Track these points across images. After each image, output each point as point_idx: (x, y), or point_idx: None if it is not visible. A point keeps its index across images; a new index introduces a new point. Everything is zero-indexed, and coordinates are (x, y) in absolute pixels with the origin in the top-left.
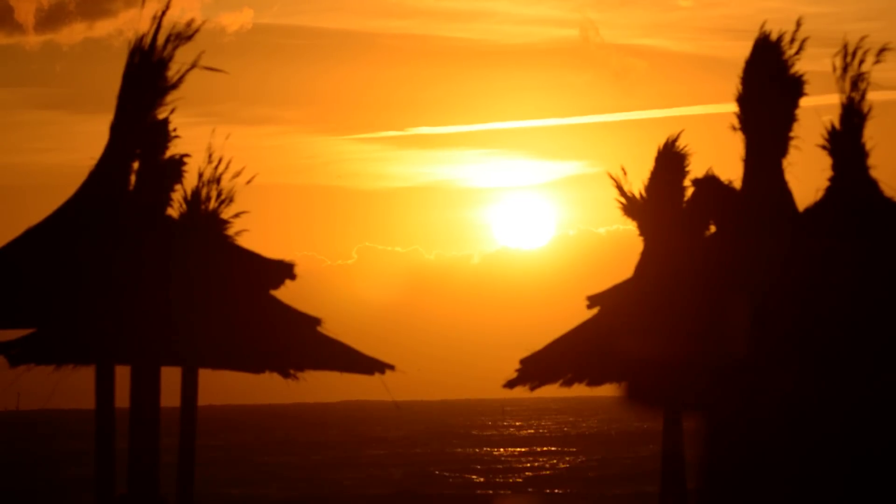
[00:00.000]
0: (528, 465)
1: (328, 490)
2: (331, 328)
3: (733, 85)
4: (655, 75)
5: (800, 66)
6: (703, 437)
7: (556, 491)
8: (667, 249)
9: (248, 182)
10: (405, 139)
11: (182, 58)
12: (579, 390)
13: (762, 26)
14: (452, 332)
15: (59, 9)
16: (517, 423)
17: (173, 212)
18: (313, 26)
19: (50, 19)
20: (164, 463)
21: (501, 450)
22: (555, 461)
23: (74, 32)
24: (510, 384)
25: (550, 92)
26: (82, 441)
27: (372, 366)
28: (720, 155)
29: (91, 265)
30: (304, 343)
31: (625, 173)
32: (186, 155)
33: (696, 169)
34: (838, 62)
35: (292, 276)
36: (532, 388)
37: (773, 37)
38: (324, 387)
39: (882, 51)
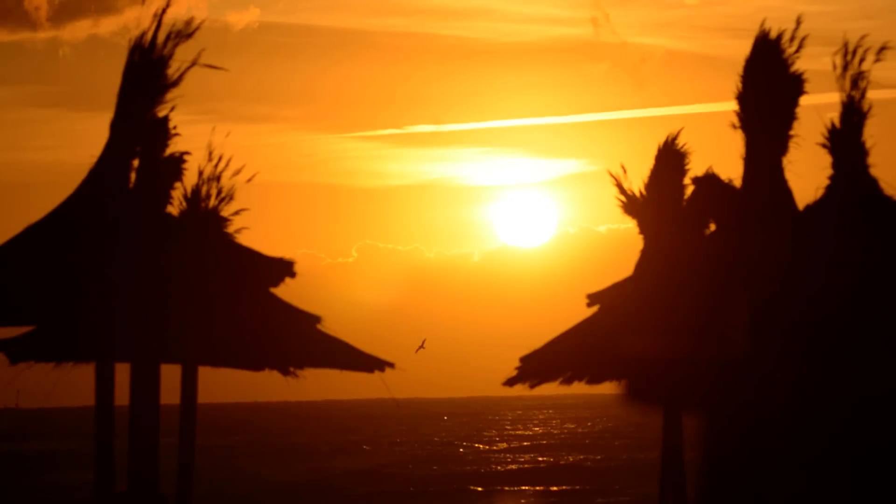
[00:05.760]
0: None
1: (326, 489)
2: (331, 326)
3: (733, 83)
4: (655, 74)
5: (800, 65)
6: (704, 436)
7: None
8: (667, 248)
9: (249, 180)
10: (405, 137)
11: (182, 55)
12: (579, 388)
13: (762, 25)
14: (452, 330)
15: (65, 6)
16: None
17: (173, 209)
18: (314, 25)
19: (55, 17)
20: (164, 461)
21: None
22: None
23: (78, 30)
24: (510, 382)
25: (551, 90)
26: (82, 439)
27: (372, 364)
28: (720, 153)
29: (91, 263)
30: (303, 341)
31: (625, 171)
32: (186, 153)
33: (696, 167)
34: (838, 60)
35: (292, 274)
36: (532, 386)
37: (773, 35)
38: (324, 385)
39: (882, 49)
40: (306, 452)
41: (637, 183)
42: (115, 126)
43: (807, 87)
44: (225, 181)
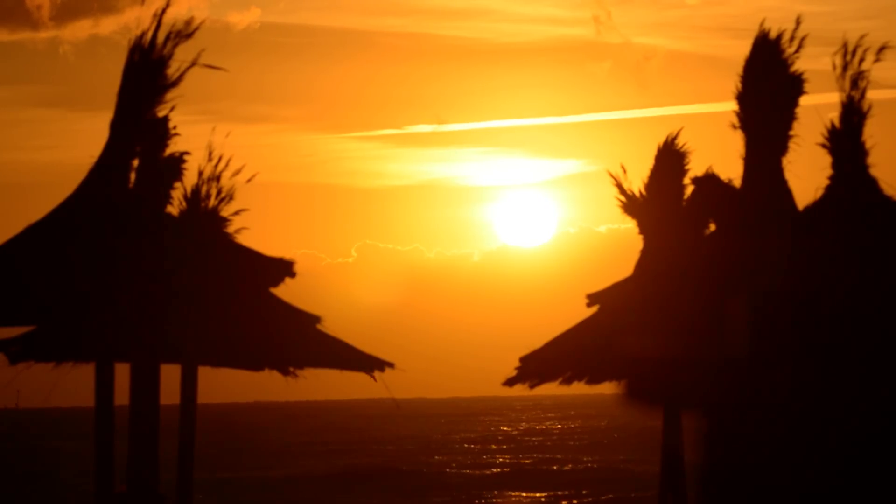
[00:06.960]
0: None
1: (327, 489)
2: (330, 326)
3: (733, 83)
4: (657, 73)
5: (799, 65)
6: (704, 435)
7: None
8: (666, 248)
9: (249, 180)
10: (405, 137)
11: (182, 55)
12: (579, 388)
13: (762, 25)
14: (453, 331)
15: (66, 5)
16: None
17: (173, 209)
18: (314, 25)
19: (57, 16)
20: (164, 461)
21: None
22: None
23: (79, 29)
24: (510, 382)
25: (551, 90)
26: (81, 439)
27: (372, 364)
28: (720, 153)
29: (91, 263)
30: (303, 341)
31: (624, 171)
32: (186, 153)
33: (695, 167)
34: (838, 60)
35: (292, 274)
36: (531, 387)
37: (773, 35)
38: (324, 385)
39: (882, 49)
40: (306, 452)
41: (637, 183)
42: (115, 126)
43: (807, 87)
44: (225, 181)
